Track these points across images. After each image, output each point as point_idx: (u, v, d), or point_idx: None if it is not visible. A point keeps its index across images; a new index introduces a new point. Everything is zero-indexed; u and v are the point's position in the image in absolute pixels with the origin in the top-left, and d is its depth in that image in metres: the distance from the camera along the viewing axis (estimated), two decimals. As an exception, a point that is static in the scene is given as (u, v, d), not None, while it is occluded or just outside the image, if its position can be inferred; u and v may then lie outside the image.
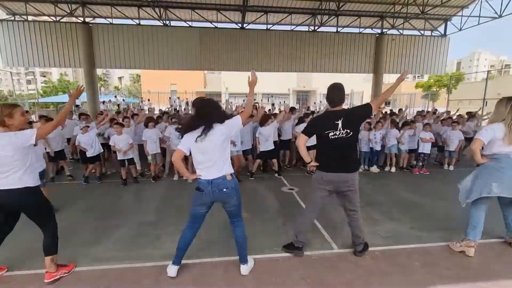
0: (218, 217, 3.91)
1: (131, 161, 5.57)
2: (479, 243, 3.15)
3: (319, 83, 31.10)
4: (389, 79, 49.00)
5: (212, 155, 2.33)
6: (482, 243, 3.18)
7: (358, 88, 24.18)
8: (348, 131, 2.59)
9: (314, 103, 25.91)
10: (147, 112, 12.02)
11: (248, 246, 2.65)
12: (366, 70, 17.20)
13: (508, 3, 12.67)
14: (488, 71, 16.27)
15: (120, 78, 64.63)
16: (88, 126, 5.65)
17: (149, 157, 5.67)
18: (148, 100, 22.39)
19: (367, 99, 20.34)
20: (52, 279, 2.48)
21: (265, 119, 5.73)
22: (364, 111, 2.78)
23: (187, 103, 21.57)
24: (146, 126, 5.66)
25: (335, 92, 2.71)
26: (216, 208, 4.21)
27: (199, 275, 2.59)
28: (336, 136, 2.59)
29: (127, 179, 5.58)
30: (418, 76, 47.53)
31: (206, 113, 2.34)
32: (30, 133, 2.27)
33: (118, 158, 5.51)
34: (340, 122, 2.58)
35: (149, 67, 15.78)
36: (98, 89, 16.76)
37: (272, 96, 26.19)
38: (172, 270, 2.54)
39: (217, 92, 30.75)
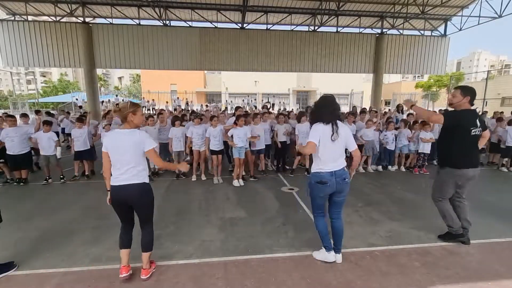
0: (218, 217, 3.92)
1: None
2: (479, 243, 3.16)
3: (319, 83, 31.11)
4: (389, 79, 49.13)
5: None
6: (482, 243, 3.19)
7: (358, 88, 24.18)
8: (481, 129, 2.89)
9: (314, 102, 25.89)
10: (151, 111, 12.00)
11: (247, 246, 2.65)
12: (366, 70, 17.20)
13: (508, 3, 12.68)
14: (488, 71, 16.31)
15: (120, 78, 64.62)
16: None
17: (173, 156, 5.87)
18: (153, 100, 22.44)
19: (367, 99, 20.34)
20: (149, 275, 2.55)
21: (301, 116, 5.95)
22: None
23: (187, 103, 21.62)
24: (173, 124, 5.84)
25: (474, 94, 2.93)
26: (215, 208, 4.23)
27: (199, 275, 2.59)
28: (475, 133, 2.86)
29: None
30: (418, 76, 47.57)
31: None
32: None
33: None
34: (478, 121, 2.85)
35: (149, 67, 15.80)
36: (98, 89, 16.77)
37: (273, 96, 26.21)
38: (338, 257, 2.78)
39: (217, 92, 30.76)
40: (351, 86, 24.79)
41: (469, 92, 2.92)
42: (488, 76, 16.02)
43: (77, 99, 20.29)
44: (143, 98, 25.26)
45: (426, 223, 3.70)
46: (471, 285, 2.46)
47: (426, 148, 6.39)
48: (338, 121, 2.57)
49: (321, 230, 2.76)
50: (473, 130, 2.85)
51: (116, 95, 25.54)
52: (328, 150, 2.53)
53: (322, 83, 30.49)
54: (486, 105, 14.03)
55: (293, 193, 4.99)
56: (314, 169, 2.63)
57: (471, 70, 70.02)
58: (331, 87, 30.30)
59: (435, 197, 3.19)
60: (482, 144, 3.08)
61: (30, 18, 14.48)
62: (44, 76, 60.38)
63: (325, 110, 2.56)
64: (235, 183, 5.38)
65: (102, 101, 18.62)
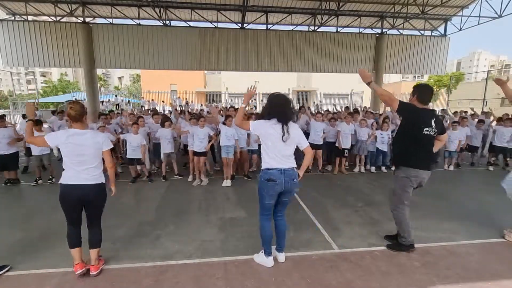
0: (218, 217, 3.92)
1: (139, 160, 5.57)
2: (479, 243, 3.16)
3: (319, 83, 31.12)
4: (389, 79, 49.12)
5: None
6: (482, 243, 3.19)
7: (358, 88, 24.17)
8: (436, 130, 2.78)
9: (314, 102, 25.92)
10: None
11: (247, 246, 2.65)
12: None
13: (508, 3, 12.68)
14: (488, 71, 16.32)
15: (120, 78, 64.63)
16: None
17: (162, 157, 5.78)
18: (152, 100, 22.45)
19: (367, 99, 20.35)
20: (99, 270, 2.59)
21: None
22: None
23: (187, 103, 21.63)
24: (163, 125, 5.77)
25: (429, 92, 2.84)
26: (215, 208, 4.23)
27: (199, 275, 2.59)
28: (428, 133, 2.75)
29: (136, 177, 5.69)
30: (418, 76, 47.59)
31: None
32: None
33: (128, 157, 5.55)
34: (433, 122, 2.76)
35: (149, 67, 15.80)
36: (98, 89, 16.77)
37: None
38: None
39: (217, 92, 30.77)
40: (351, 86, 24.78)
41: (417, 91, 2.82)
42: (488, 76, 16.00)
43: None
44: (143, 98, 25.27)
45: (426, 223, 3.70)
46: (471, 285, 2.46)
47: None
48: (290, 122, 2.52)
49: (265, 235, 2.67)
50: (425, 129, 2.73)
51: (116, 95, 25.53)
52: (278, 150, 2.49)
53: (322, 83, 30.50)
54: (486, 105, 14.03)
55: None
56: (263, 166, 2.57)
57: (471, 70, 70.04)
58: (331, 87, 30.45)
59: (393, 206, 2.98)
60: (437, 147, 2.93)
61: (30, 18, 14.48)
62: (44, 76, 60.38)
63: (279, 109, 2.51)
64: (224, 183, 5.32)
65: (102, 101, 18.59)
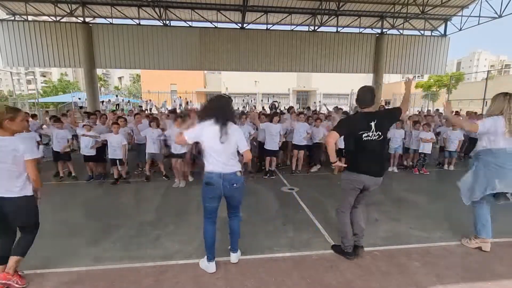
0: (218, 217, 3.92)
1: (121, 161, 5.49)
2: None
3: (319, 83, 31.11)
4: (389, 79, 49.11)
5: None
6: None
7: (358, 88, 24.12)
8: (380, 133, 2.60)
9: (314, 102, 25.92)
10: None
11: (247, 246, 2.65)
12: (366, 70, 17.20)
13: (508, 3, 12.68)
14: (488, 71, 16.31)
15: (120, 78, 64.61)
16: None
17: (146, 157, 5.75)
18: (150, 100, 22.46)
19: (367, 99, 20.29)
20: (5, 281, 2.28)
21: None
22: (395, 114, 2.84)
23: (187, 103, 21.63)
24: (150, 125, 5.76)
25: (368, 94, 2.67)
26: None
27: (199, 275, 2.59)
28: (369, 138, 2.59)
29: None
30: (418, 76, 47.53)
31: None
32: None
33: (109, 157, 5.47)
34: (373, 124, 2.57)
35: (149, 67, 15.81)
36: (98, 89, 16.77)
37: (273, 96, 26.24)
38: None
39: (217, 92, 30.74)
40: (351, 86, 24.72)
41: (357, 96, 2.71)
42: (488, 76, 15.99)
43: (79, 98, 20.20)
44: (141, 98, 25.28)
45: (426, 223, 3.70)
46: (471, 285, 2.46)
47: (426, 148, 6.38)
48: (229, 123, 2.43)
49: (207, 238, 2.59)
50: (364, 135, 2.57)
51: (116, 95, 25.53)
52: (217, 152, 2.41)
53: (322, 83, 30.48)
54: (486, 105, 14.02)
55: (293, 193, 4.99)
56: (205, 169, 2.51)
57: (471, 70, 70.02)
58: (331, 87, 30.45)
59: (337, 207, 2.94)
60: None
61: (30, 18, 14.48)
62: (44, 76, 60.36)
63: (219, 111, 2.45)
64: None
65: (102, 101, 18.57)
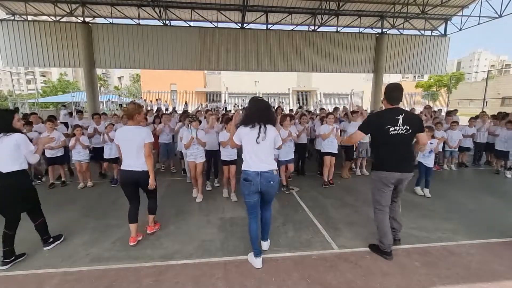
0: (218, 217, 3.92)
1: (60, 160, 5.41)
2: (479, 243, 3.16)
3: (319, 83, 31.12)
4: (389, 79, 49.10)
5: None
6: (482, 243, 3.19)
7: (358, 88, 24.18)
8: (408, 127, 2.65)
9: (316, 102, 25.91)
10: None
11: (247, 246, 2.64)
12: (366, 70, 17.19)
13: (508, 3, 12.67)
14: (488, 71, 16.30)
15: (120, 78, 64.63)
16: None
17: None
18: (148, 100, 22.46)
19: (367, 99, 20.33)
20: (153, 231, 3.39)
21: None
22: (421, 127, 2.81)
23: (186, 103, 21.61)
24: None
25: (396, 92, 2.75)
26: (215, 208, 4.23)
27: (199, 275, 2.59)
28: (396, 132, 2.64)
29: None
30: (418, 76, 47.56)
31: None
32: None
33: (48, 156, 5.21)
34: (401, 118, 2.65)
35: (149, 67, 15.78)
36: (98, 89, 16.76)
37: (274, 99, 26.24)
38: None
39: (217, 92, 30.76)
40: (351, 86, 24.78)
41: (385, 92, 2.79)
42: (488, 76, 15.99)
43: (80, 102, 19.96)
44: (141, 98, 25.27)
45: (426, 223, 3.70)
46: (471, 285, 2.46)
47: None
48: (267, 124, 2.64)
49: (252, 234, 2.72)
50: (391, 129, 2.64)
51: (119, 95, 25.57)
52: (255, 152, 2.60)
53: (322, 83, 30.50)
54: (486, 105, 14.02)
55: (293, 193, 4.99)
56: (242, 167, 2.69)
57: (471, 70, 70.01)
58: (331, 87, 30.48)
59: (374, 207, 2.99)
60: (417, 148, 2.88)
61: (30, 18, 14.46)
62: (44, 76, 60.37)
63: (258, 114, 2.65)
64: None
65: (108, 100, 18.51)
